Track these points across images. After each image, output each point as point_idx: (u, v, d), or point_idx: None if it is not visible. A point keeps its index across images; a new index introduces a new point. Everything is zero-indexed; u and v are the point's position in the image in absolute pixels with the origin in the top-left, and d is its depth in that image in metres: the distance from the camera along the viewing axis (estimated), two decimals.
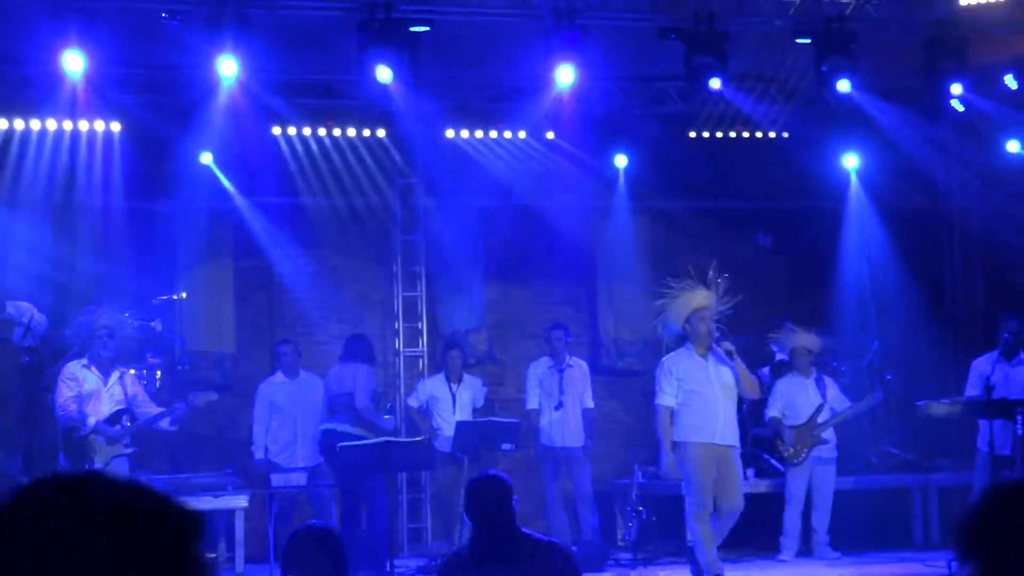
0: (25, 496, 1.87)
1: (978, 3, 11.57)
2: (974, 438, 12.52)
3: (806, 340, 12.70)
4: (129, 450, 10.98)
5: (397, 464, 10.67)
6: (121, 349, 11.33)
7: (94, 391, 10.90)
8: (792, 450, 12.44)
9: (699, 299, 10.29)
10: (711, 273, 10.52)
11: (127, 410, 10.93)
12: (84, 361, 11.03)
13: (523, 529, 6.27)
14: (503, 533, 6.15)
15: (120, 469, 10.91)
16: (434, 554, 12.55)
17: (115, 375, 11.04)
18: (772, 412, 12.69)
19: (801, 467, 12.51)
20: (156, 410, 11.22)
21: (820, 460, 12.52)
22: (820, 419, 12.44)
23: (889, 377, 13.53)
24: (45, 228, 13.52)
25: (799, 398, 12.60)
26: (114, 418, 10.85)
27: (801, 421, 12.48)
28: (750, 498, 13.41)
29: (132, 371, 11.60)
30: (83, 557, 1.82)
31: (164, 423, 11.25)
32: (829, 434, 12.54)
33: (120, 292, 12.90)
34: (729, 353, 10.23)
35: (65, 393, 10.87)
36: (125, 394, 11.01)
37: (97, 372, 10.96)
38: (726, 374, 10.20)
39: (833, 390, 12.76)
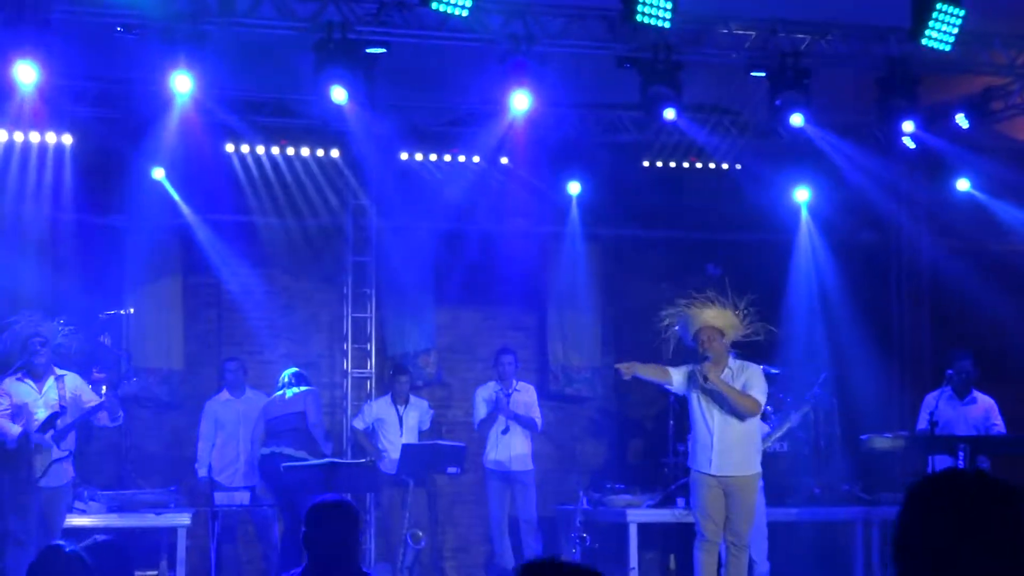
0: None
1: (929, 44, 11.66)
2: (918, 472, 12.57)
3: None
4: (65, 452, 10.76)
5: (341, 485, 10.60)
6: (58, 356, 11.19)
7: (27, 402, 10.73)
8: None
9: (707, 317, 9.95)
10: (741, 304, 10.03)
11: (60, 413, 10.74)
12: (17, 375, 10.86)
13: (365, 569, 5.50)
14: (342, 570, 5.40)
15: (59, 475, 10.75)
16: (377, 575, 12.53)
17: (50, 380, 10.86)
18: None
19: None
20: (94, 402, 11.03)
21: None
22: None
23: (807, 397, 13.51)
24: None
25: None
26: (47, 423, 10.67)
27: None
28: (687, 527, 13.49)
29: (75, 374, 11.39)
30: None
31: (103, 418, 11.05)
32: None
33: (68, 306, 12.81)
34: (706, 378, 9.85)
35: None
36: (62, 397, 10.83)
37: (31, 382, 10.81)
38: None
39: None
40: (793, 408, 12.73)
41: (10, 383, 10.87)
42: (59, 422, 10.70)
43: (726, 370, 10.05)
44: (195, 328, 14.33)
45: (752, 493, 10.13)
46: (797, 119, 12.44)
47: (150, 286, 14.05)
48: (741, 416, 9.98)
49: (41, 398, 10.79)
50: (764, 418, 12.91)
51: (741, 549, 10.08)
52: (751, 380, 10.03)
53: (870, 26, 12.30)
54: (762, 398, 10.05)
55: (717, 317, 9.98)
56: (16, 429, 10.61)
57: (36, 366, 10.82)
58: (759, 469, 10.20)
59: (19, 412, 10.71)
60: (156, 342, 13.98)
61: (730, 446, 10.00)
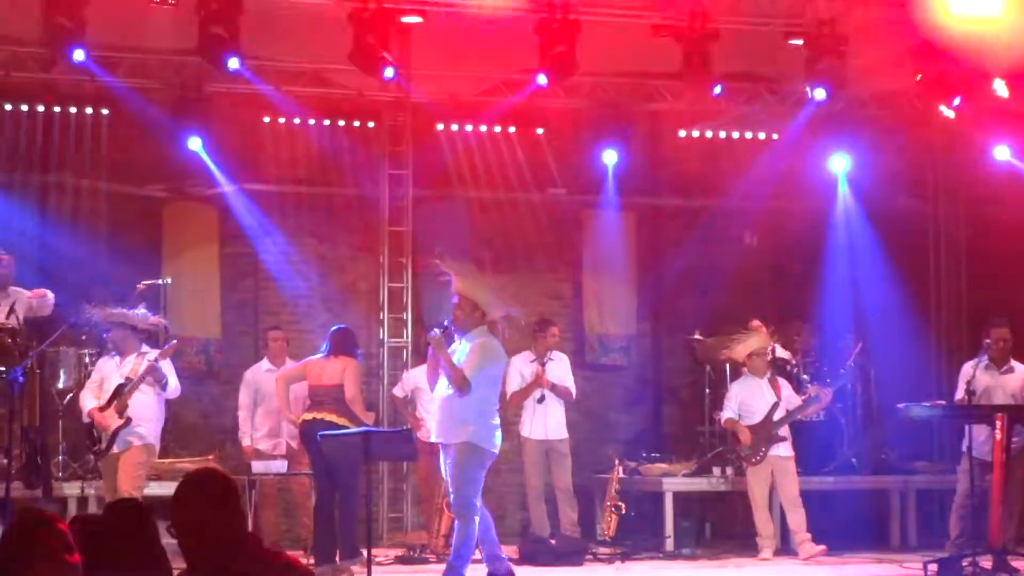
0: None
1: (969, 12, 11.56)
2: (954, 441, 12.51)
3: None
4: (122, 421, 10.79)
5: (377, 453, 10.62)
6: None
7: (107, 376, 11.01)
8: (750, 449, 12.39)
9: (462, 284, 9.85)
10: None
11: (124, 385, 10.84)
12: (111, 353, 11.17)
13: None
14: None
15: (122, 440, 10.78)
16: (412, 544, 12.57)
17: (132, 357, 10.96)
18: (727, 414, 12.62)
19: (760, 466, 12.45)
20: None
21: (778, 458, 12.43)
22: (776, 416, 12.41)
23: (842, 370, 13.52)
24: (33, 211, 13.53)
25: (753, 399, 12.52)
26: (113, 396, 10.81)
27: (757, 420, 12.46)
28: (723, 496, 13.52)
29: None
30: None
31: (159, 389, 11.07)
32: (785, 431, 12.47)
33: (106, 276, 12.89)
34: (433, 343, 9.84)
35: (88, 384, 11.23)
36: (138, 371, 10.90)
37: (118, 359, 11.04)
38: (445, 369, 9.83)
39: (786, 389, 12.70)
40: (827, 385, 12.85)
41: (103, 362, 11.21)
42: (124, 389, 10.84)
43: (462, 343, 9.93)
44: (232, 298, 14.39)
45: (459, 462, 9.72)
46: (832, 88, 12.38)
47: (187, 256, 14.11)
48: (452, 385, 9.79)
49: (117, 372, 10.97)
50: (799, 390, 12.96)
51: (458, 518, 9.86)
52: (468, 355, 9.77)
53: None
54: (470, 372, 9.64)
55: (473, 289, 9.85)
56: (91, 404, 10.93)
57: (124, 348, 11.01)
58: (468, 440, 9.71)
59: (101, 387, 11.03)
60: (194, 312, 14.03)
61: (440, 411, 9.92)
